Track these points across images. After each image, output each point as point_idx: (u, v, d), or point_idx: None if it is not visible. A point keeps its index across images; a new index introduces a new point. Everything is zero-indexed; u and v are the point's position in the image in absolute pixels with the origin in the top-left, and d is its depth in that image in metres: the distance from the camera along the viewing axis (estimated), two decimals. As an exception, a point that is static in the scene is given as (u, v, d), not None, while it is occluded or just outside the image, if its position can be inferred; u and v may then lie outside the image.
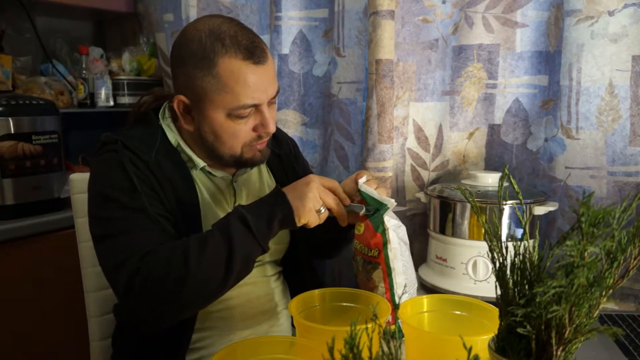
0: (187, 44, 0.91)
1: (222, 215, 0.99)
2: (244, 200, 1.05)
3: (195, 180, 0.99)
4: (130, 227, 0.87)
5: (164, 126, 1.00)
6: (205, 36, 0.90)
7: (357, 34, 1.41)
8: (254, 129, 0.95)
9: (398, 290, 0.93)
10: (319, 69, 1.51)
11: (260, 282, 1.06)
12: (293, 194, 0.87)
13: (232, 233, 0.83)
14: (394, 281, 0.93)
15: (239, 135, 0.94)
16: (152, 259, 0.83)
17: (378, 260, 0.93)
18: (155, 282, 0.82)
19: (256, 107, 0.93)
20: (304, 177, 0.90)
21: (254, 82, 0.90)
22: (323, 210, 0.88)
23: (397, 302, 0.91)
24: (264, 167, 1.12)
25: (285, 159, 1.15)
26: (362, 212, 0.93)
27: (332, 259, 1.46)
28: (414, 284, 0.98)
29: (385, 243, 0.92)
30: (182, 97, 0.94)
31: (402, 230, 0.96)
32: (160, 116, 1.02)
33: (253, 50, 0.90)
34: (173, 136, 1.00)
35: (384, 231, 0.92)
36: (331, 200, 0.89)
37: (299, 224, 0.87)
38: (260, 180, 1.11)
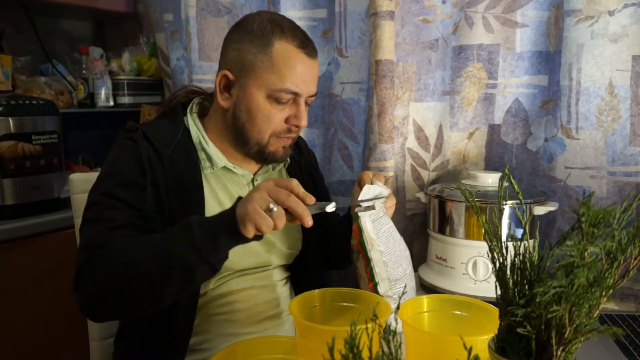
0: (247, 25, 0.97)
1: None
2: None
3: (207, 181, 0.99)
4: (107, 216, 0.87)
5: (189, 121, 1.02)
6: (266, 20, 0.96)
7: (360, 34, 1.41)
8: (287, 120, 0.97)
9: (381, 282, 0.93)
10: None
11: (268, 287, 1.05)
12: (241, 202, 0.79)
13: (176, 241, 0.79)
14: (374, 271, 0.93)
15: (272, 120, 0.95)
16: (102, 252, 0.83)
17: (358, 248, 0.95)
18: (97, 276, 0.82)
19: (295, 97, 0.95)
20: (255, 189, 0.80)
21: (301, 71, 0.94)
22: (275, 209, 0.77)
23: (380, 293, 0.94)
24: (284, 171, 1.13)
25: (305, 168, 1.16)
26: (330, 208, 0.83)
27: (344, 269, 1.45)
28: (410, 280, 0.99)
29: (360, 231, 0.93)
30: (227, 72, 0.97)
31: (385, 222, 0.96)
32: (187, 111, 1.03)
33: (307, 43, 0.96)
34: (196, 132, 1.01)
35: (357, 219, 0.93)
36: (284, 196, 0.78)
37: (247, 232, 0.77)
38: None
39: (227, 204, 1.00)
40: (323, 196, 1.21)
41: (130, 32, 2.03)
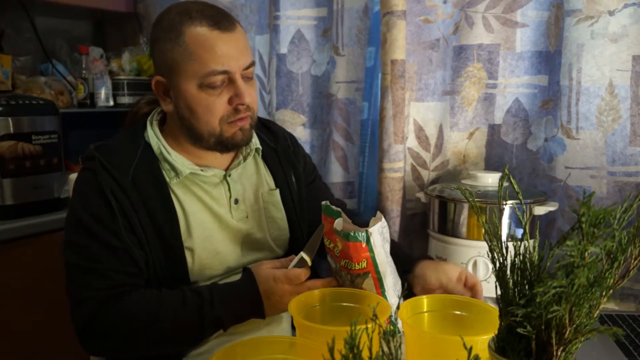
0: (159, 22, 0.95)
1: (212, 220, 0.99)
2: (240, 195, 1.04)
3: (175, 195, 0.97)
4: (99, 264, 0.89)
5: (149, 132, 0.99)
6: (174, 13, 0.93)
7: (357, 32, 1.41)
8: (229, 102, 0.94)
9: (389, 291, 0.92)
10: (318, 69, 1.51)
11: None
12: (269, 303, 0.90)
13: (205, 330, 0.90)
14: (384, 284, 0.91)
15: (214, 108, 0.93)
16: (113, 310, 0.88)
17: (367, 270, 0.90)
18: (113, 335, 0.89)
19: (228, 76, 0.92)
20: (273, 282, 0.90)
21: (221, 49, 0.91)
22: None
23: (389, 301, 0.90)
24: (260, 161, 1.10)
25: (282, 154, 1.13)
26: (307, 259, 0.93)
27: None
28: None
29: (371, 250, 0.89)
30: (159, 77, 0.95)
31: (386, 230, 0.94)
32: (149, 121, 1.01)
33: (219, 20, 0.92)
34: (156, 142, 0.98)
35: (368, 239, 0.88)
36: (305, 289, 0.89)
37: None
38: (257, 173, 1.09)
39: (196, 213, 0.98)
40: (312, 177, 1.19)
41: (130, 32, 2.03)
